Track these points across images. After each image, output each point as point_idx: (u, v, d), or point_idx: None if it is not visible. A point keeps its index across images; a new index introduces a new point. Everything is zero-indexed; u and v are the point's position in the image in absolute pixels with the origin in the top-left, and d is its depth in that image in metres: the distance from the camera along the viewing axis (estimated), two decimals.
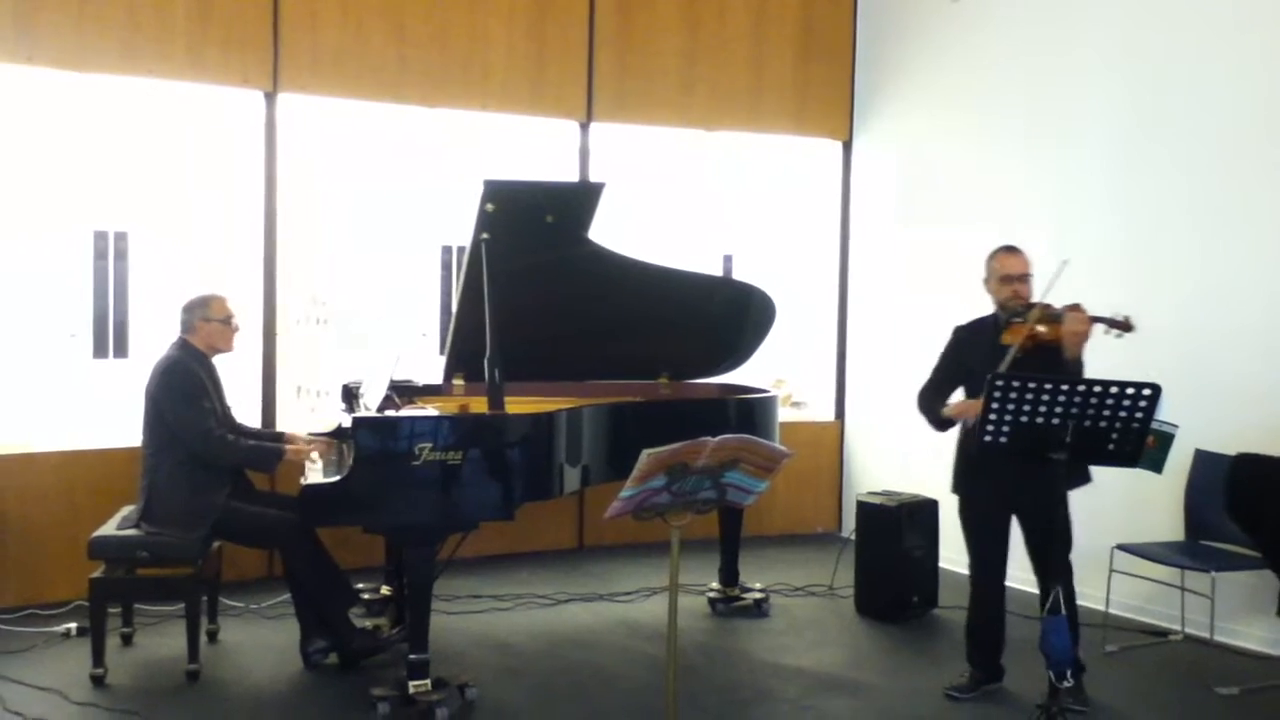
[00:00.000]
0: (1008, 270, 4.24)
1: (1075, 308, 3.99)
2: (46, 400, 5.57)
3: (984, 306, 4.38)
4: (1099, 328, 3.96)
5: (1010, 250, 4.29)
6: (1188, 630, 5.07)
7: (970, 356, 4.29)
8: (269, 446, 4.64)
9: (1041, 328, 4.03)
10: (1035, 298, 4.17)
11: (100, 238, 5.57)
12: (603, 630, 5.17)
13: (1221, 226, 5.11)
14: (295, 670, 4.51)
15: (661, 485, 3.26)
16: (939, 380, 4.41)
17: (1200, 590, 4.82)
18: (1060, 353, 3.99)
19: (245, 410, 5.41)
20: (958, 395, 4.36)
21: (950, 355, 4.42)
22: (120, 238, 5.60)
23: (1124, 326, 3.92)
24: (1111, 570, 4.95)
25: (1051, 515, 3.84)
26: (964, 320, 4.44)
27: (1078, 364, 4.00)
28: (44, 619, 4.98)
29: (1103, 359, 4.07)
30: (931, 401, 4.36)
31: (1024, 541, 4.29)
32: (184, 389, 4.44)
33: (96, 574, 4.37)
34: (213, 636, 4.84)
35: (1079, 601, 4.27)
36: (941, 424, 4.32)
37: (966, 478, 4.33)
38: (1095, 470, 3.81)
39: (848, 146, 7.29)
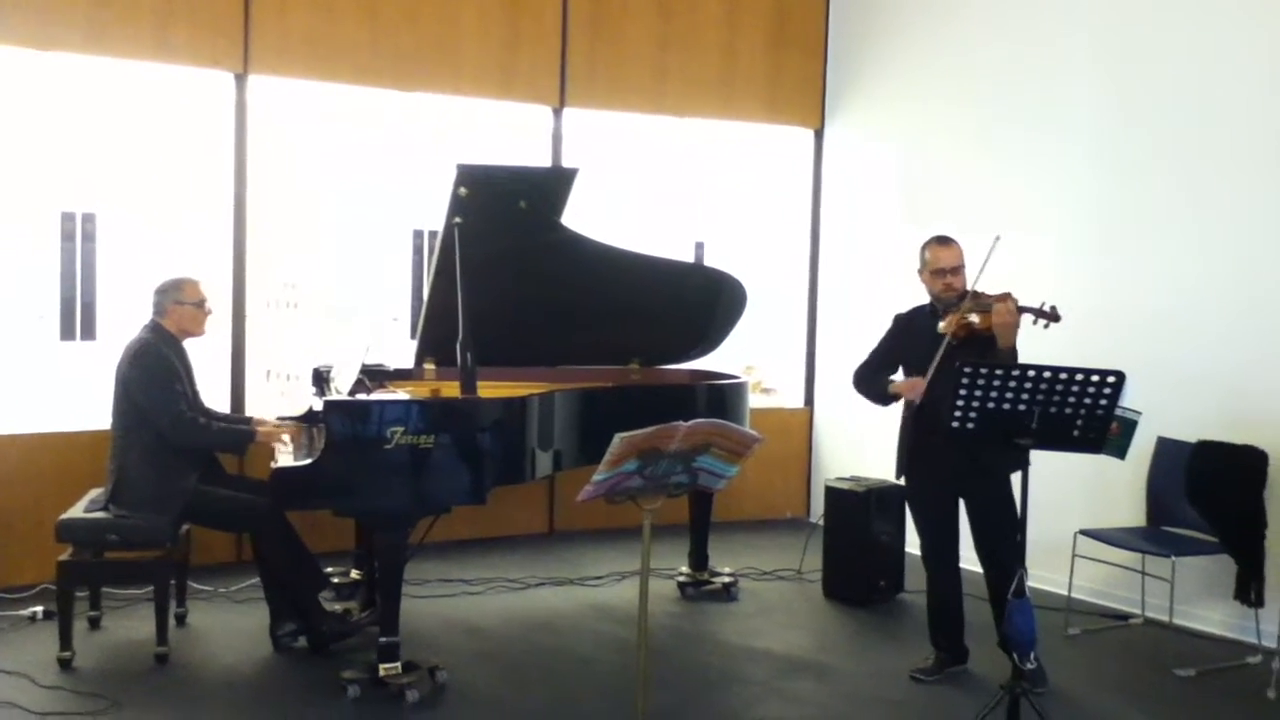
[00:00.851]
0: (940, 263, 4.25)
1: (1005, 297, 4.00)
2: (13, 383, 5.51)
3: None
4: (1029, 317, 3.99)
5: (943, 241, 4.30)
6: (1148, 614, 5.16)
7: (907, 344, 4.35)
8: (240, 429, 4.63)
9: (974, 317, 4.07)
10: (971, 275, 4.18)
11: (68, 219, 5.50)
12: (573, 614, 5.19)
13: (1189, 219, 5.17)
14: (265, 654, 4.50)
15: (634, 469, 3.28)
16: (874, 364, 4.47)
17: (1161, 575, 4.90)
18: (994, 342, 4.02)
19: (214, 394, 5.38)
20: (896, 378, 4.42)
21: (888, 341, 4.48)
22: (88, 219, 5.54)
23: (1051, 316, 3.96)
24: (1074, 555, 5.02)
25: (998, 499, 3.86)
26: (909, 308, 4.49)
27: (1010, 353, 4.02)
28: (10, 602, 4.94)
29: (1071, 347, 4.12)
30: (872, 379, 4.42)
31: (969, 525, 4.35)
32: (155, 372, 4.41)
33: (64, 557, 4.34)
34: (181, 620, 4.82)
35: (1037, 585, 4.32)
36: (886, 399, 4.38)
37: (909, 462, 4.38)
38: (1060, 456, 3.85)
39: (819, 135, 7.32)
